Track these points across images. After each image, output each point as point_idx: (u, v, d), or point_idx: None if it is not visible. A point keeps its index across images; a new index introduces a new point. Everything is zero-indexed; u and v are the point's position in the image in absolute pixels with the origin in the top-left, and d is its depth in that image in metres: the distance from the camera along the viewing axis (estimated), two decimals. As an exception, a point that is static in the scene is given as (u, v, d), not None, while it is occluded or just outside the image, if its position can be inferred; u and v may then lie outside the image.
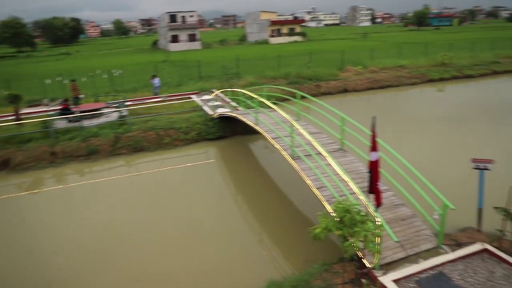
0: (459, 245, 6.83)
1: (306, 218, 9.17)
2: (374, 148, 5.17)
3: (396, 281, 5.94)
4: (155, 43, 70.71)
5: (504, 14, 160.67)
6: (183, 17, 63.22)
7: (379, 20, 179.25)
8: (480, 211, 7.51)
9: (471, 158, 7.46)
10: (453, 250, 6.64)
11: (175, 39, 61.35)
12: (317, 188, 7.94)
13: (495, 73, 28.58)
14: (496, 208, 6.97)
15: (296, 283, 6.28)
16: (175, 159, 14.01)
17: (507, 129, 15.65)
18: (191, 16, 64.18)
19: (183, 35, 61.89)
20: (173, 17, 62.52)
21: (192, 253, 8.07)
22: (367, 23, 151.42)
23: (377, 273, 6.06)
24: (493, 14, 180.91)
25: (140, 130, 15.15)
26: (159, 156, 14.25)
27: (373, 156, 5.16)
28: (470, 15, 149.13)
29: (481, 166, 7.32)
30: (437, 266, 6.33)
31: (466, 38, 52.02)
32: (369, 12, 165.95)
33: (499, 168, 8.57)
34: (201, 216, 9.63)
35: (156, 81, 21.61)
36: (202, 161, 13.77)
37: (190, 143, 15.29)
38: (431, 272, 6.25)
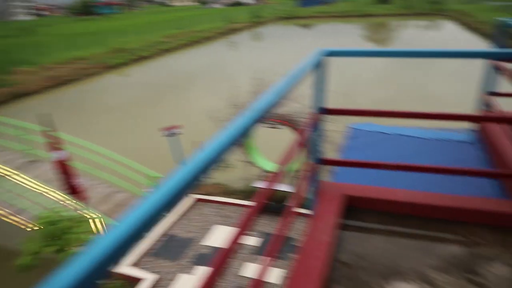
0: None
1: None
2: (56, 147, 4.72)
3: (135, 264, 6.00)
4: None
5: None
6: None
7: (43, 12, 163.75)
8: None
9: (160, 128, 8.19)
10: (172, 212, 7.35)
11: None
12: (14, 215, 6.65)
13: (165, 51, 32.51)
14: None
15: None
16: None
17: (184, 96, 18.41)
18: None
19: None
20: None
21: None
22: (28, 17, 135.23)
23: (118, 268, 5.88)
24: (148, 0, 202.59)
25: None
26: None
27: (57, 155, 4.72)
28: (131, 2, 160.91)
29: (170, 133, 8.19)
30: (166, 232, 6.84)
31: (136, 23, 55.83)
32: (27, 4, 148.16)
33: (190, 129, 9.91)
34: None
35: None
36: None
37: None
38: (163, 239, 6.69)
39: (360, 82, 17.36)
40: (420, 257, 2.05)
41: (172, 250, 6.39)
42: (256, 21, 50.94)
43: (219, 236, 6.58)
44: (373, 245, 2.13)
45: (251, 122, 1.10)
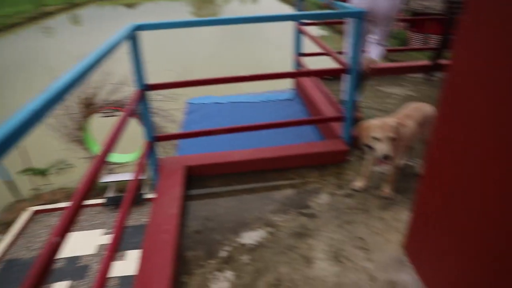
0: (8, 225, 6.49)
1: None
2: None
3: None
4: None
5: None
6: None
7: None
8: (8, 183, 7.27)
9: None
10: (7, 233, 6.25)
11: None
12: None
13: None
14: (21, 172, 6.99)
15: None
16: None
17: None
18: None
19: None
20: None
21: None
22: None
23: None
24: None
25: None
26: None
27: None
28: None
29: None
30: (1, 258, 5.78)
31: None
32: None
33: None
34: None
35: None
36: None
37: None
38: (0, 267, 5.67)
39: (197, 58, 17.59)
40: (262, 206, 2.27)
41: (16, 276, 5.47)
42: (73, 2, 45.40)
43: (73, 244, 5.92)
44: (219, 207, 2.25)
45: (50, 103, 0.97)
